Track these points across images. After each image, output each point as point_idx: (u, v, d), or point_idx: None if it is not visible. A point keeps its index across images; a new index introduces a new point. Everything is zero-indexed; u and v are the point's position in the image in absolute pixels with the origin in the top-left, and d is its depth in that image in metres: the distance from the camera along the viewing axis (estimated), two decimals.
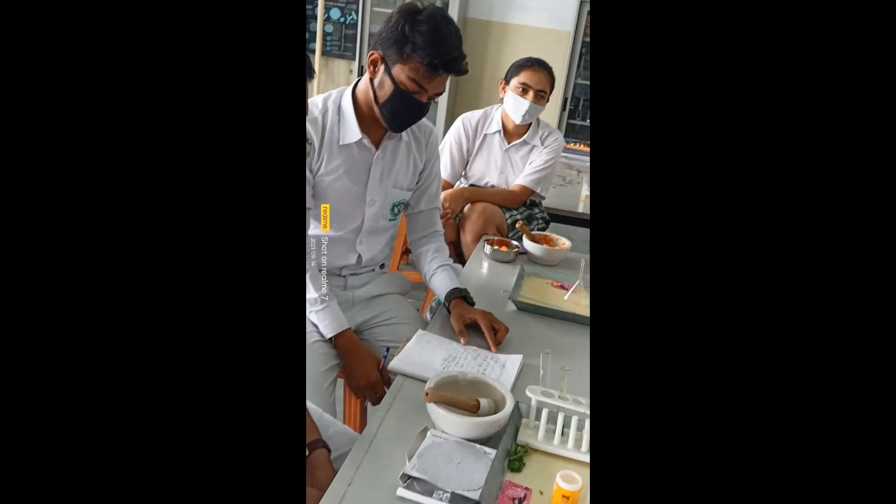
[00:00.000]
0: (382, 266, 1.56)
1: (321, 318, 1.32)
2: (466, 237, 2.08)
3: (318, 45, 4.10)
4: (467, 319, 1.27)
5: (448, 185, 2.20)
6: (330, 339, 1.33)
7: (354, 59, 4.26)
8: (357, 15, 4.25)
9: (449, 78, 1.26)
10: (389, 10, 1.36)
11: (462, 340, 1.24)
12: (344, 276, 1.48)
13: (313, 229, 1.39)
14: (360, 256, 1.46)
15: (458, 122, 2.24)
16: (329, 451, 0.96)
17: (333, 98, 1.35)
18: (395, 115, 1.28)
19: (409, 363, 1.13)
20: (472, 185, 2.26)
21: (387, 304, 1.50)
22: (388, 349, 1.30)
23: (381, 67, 1.25)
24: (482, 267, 1.72)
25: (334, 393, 1.33)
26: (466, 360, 1.18)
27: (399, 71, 1.21)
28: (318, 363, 1.29)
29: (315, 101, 1.35)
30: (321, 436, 0.98)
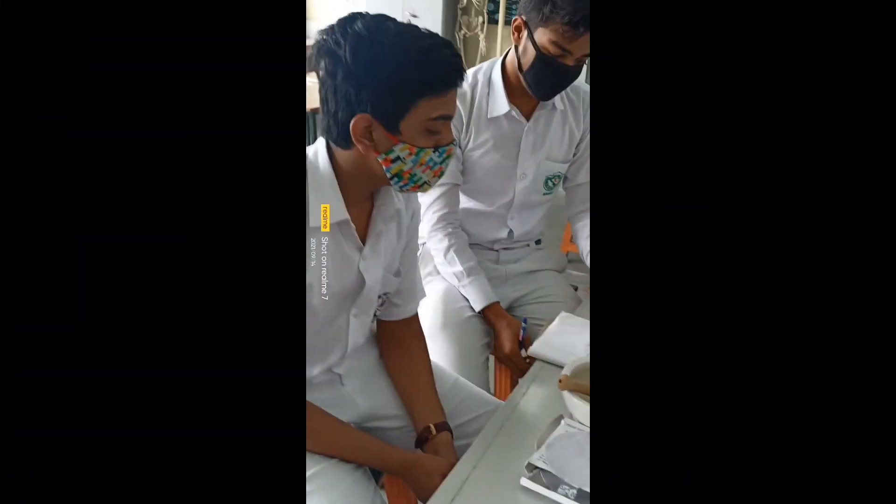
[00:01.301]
0: (538, 241, 1.51)
1: (469, 292, 1.31)
2: None
3: (500, 16, 3.95)
4: None
5: None
6: (481, 313, 1.30)
7: None
8: None
9: None
10: None
11: None
12: (496, 251, 1.44)
13: (464, 202, 1.37)
14: (511, 231, 1.42)
15: None
16: (451, 433, 0.96)
17: (484, 70, 1.31)
18: (540, 81, 1.21)
19: (549, 347, 1.09)
20: None
21: (542, 281, 1.45)
22: (525, 320, 1.28)
23: (525, 33, 1.18)
24: None
25: (488, 370, 1.31)
26: None
27: (541, 34, 1.15)
28: (471, 338, 1.28)
29: (465, 75, 1.31)
30: (446, 418, 0.98)
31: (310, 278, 0.87)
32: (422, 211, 1.30)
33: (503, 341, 1.25)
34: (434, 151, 0.85)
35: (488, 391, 1.21)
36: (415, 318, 1.11)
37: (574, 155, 1.39)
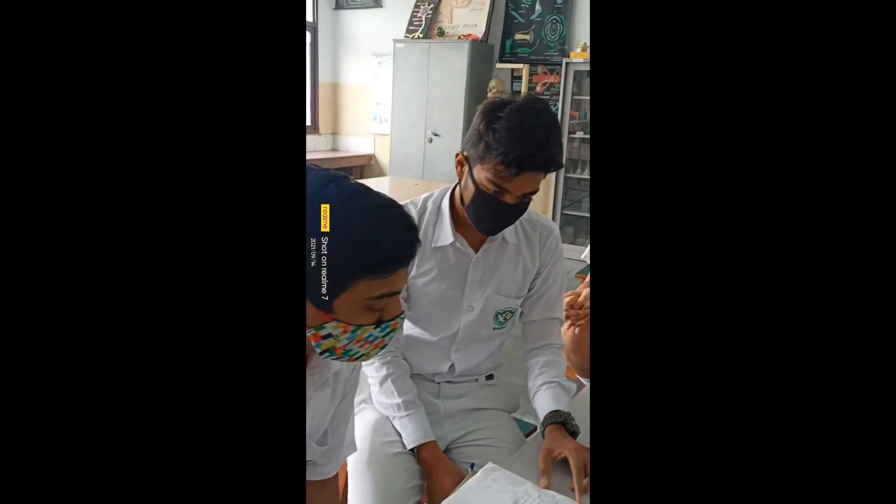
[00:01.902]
0: (490, 377, 1.39)
1: (404, 425, 1.20)
2: None
3: None
4: (556, 455, 1.03)
5: None
6: (413, 450, 1.19)
7: None
8: (558, 105, 4.45)
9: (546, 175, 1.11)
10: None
11: (543, 482, 0.99)
12: (438, 384, 1.34)
13: (408, 329, 1.29)
14: (452, 365, 1.31)
15: None
16: None
17: (434, 198, 1.26)
18: (481, 218, 1.16)
19: None
20: None
21: (484, 422, 1.29)
22: (472, 465, 1.12)
23: (466, 168, 1.16)
24: None
25: None
26: None
27: (479, 171, 1.11)
28: (398, 479, 1.15)
29: (416, 201, 1.26)
30: None
31: None
32: None
33: (444, 489, 1.11)
34: (375, 327, 0.72)
35: None
36: (333, 480, 0.98)
37: (529, 290, 1.31)
